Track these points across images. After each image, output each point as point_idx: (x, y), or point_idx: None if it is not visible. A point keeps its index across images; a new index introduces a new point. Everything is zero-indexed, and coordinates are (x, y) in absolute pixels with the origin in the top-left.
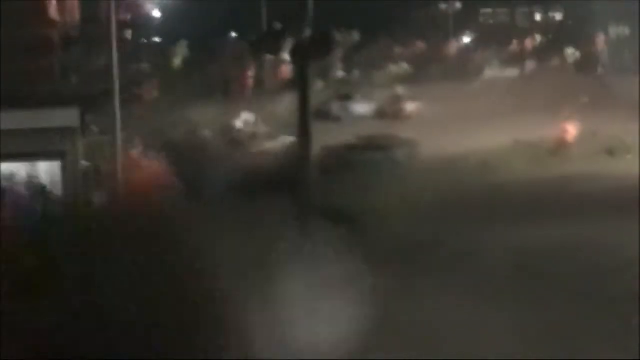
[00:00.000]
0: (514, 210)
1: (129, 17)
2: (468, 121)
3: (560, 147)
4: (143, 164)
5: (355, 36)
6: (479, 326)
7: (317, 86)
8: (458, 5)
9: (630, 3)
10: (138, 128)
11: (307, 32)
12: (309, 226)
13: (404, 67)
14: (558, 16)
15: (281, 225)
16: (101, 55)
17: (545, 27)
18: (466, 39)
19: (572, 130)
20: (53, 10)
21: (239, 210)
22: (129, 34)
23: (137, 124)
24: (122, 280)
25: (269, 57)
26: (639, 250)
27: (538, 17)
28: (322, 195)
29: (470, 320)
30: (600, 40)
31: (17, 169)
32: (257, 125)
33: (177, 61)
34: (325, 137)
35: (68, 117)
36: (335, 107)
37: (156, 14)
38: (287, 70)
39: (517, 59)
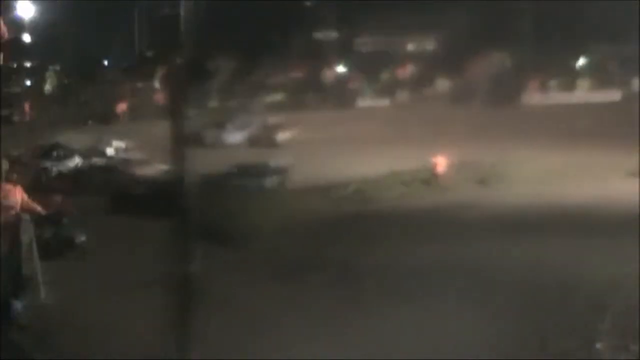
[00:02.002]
0: (389, 235)
1: None
2: (342, 149)
3: (432, 177)
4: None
5: (231, 63)
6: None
7: (192, 113)
8: (334, 34)
9: (507, 34)
10: (8, 150)
11: (180, 59)
12: (187, 249)
13: (280, 95)
14: (431, 46)
15: (159, 247)
16: None
17: (419, 57)
18: (341, 68)
19: (443, 161)
20: None
21: (115, 234)
22: None
23: (8, 145)
24: None
25: (142, 83)
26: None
27: (412, 47)
28: (199, 219)
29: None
30: (474, 70)
31: None
32: (128, 151)
33: (49, 86)
34: (199, 163)
35: None
36: (209, 135)
37: (28, 38)
38: (160, 97)
39: (391, 89)
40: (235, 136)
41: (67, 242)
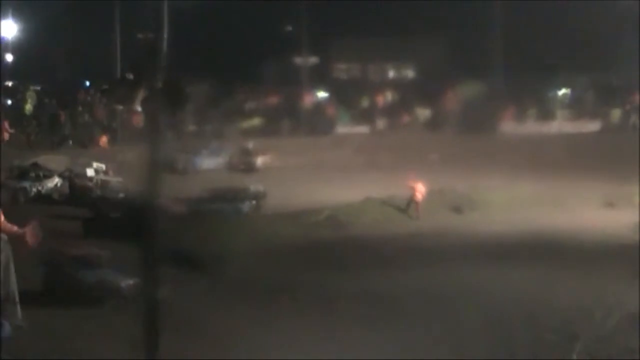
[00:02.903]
0: (364, 261)
1: None
2: (319, 175)
3: (410, 205)
4: None
5: (207, 88)
6: None
7: (167, 138)
8: (313, 59)
9: (485, 61)
10: None
11: (160, 82)
12: (157, 272)
13: (256, 120)
14: (410, 74)
15: (129, 269)
16: None
17: (396, 84)
18: (319, 94)
19: (421, 188)
20: None
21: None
22: None
23: None
24: None
25: (121, 106)
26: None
27: (389, 74)
28: (170, 243)
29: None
30: (451, 98)
31: None
32: (107, 173)
33: (29, 106)
34: (173, 188)
35: None
36: (181, 161)
37: (9, 57)
38: (139, 120)
39: (369, 115)
40: (211, 161)
41: (110, 287)
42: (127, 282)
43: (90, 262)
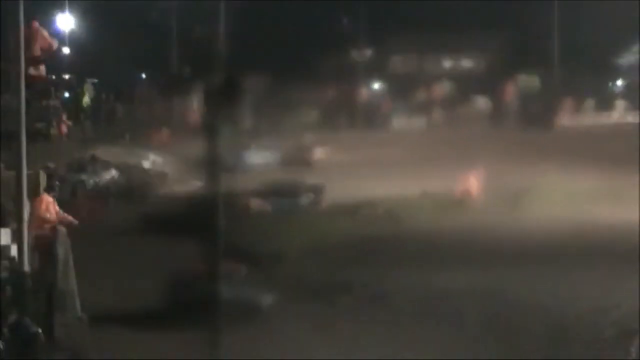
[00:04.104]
0: (420, 257)
1: (39, 53)
2: (375, 169)
3: (464, 198)
4: (49, 201)
5: (264, 83)
6: None
7: (226, 132)
8: (369, 52)
9: (539, 55)
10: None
11: (217, 77)
12: (218, 269)
13: (312, 114)
14: (467, 64)
15: (190, 266)
16: (8, 91)
17: (455, 76)
18: (375, 87)
19: (476, 181)
20: None
21: (148, 251)
22: (38, 70)
23: (44, 158)
24: None
25: (178, 100)
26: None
27: (445, 66)
28: (230, 239)
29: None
30: (510, 90)
31: None
32: (165, 166)
33: (86, 99)
34: (230, 183)
35: None
36: (242, 154)
37: (66, 50)
38: (196, 114)
39: (426, 108)
40: (267, 155)
41: (249, 305)
42: (267, 300)
43: (225, 277)
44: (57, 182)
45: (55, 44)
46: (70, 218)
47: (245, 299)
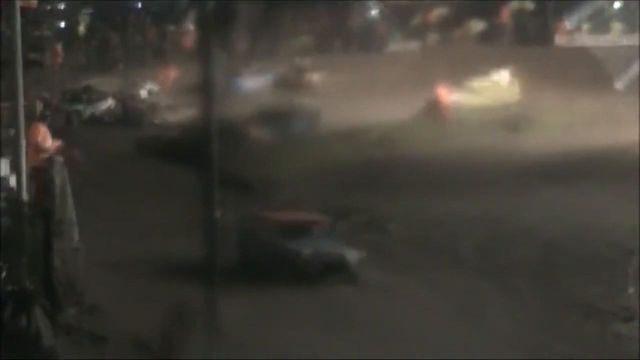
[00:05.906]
0: (416, 182)
1: None
2: (371, 93)
3: (433, 107)
4: (44, 130)
5: (259, 7)
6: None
7: (220, 57)
8: None
9: None
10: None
11: (211, 3)
12: (214, 196)
13: (308, 38)
14: None
15: (186, 194)
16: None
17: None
18: (370, 11)
19: (446, 93)
20: None
21: (143, 179)
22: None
23: (39, 88)
24: None
25: (171, 27)
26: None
27: None
28: (225, 166)
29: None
30: (506, 12)
31: None
32: (159, 96)
33: (81, 29)
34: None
35: None
36: (220, 82)
37: None
38: (190, 40)
39: (420, 31)
40: (261, 79)
41: (334, 261)
42: (353, 255)
43: (303, 229)
44: (48, 112)
45: None
46: (66, 147)
47: (327, 255)
